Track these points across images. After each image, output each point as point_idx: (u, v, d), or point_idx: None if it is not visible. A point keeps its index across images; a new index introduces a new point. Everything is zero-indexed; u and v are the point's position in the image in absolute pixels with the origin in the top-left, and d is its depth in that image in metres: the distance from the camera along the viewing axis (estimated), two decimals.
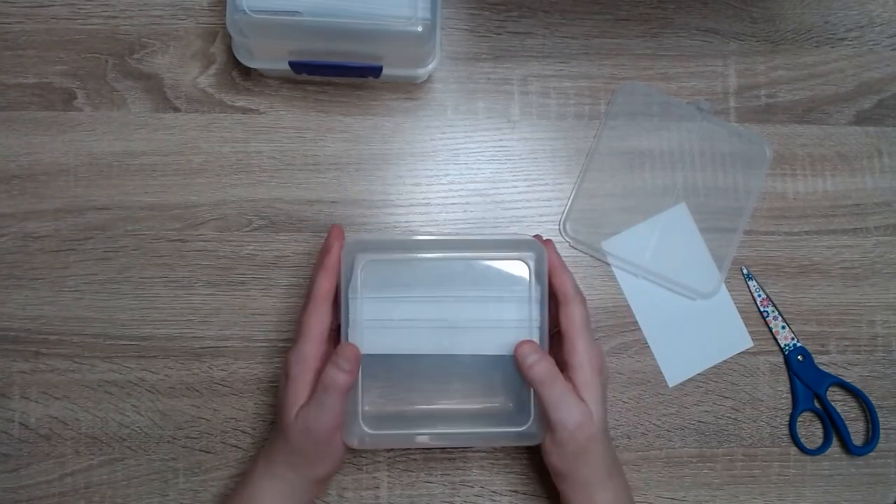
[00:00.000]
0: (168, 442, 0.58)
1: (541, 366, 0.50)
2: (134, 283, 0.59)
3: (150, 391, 0.59)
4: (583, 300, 0.53)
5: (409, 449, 0.59)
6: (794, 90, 0.64)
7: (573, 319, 0.52)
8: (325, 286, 0.51)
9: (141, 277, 0.59)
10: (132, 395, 0.59)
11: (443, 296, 0.52)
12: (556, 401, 0.50)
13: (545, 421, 0.51)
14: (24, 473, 0.58)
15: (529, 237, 0.53)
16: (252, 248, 0.60)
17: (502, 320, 0.52)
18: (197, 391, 0.59)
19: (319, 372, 0.50)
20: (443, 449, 0.59)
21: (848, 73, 0.65)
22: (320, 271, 0.51)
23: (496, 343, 0.52)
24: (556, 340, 0.54)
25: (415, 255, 0.52)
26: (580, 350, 0.51)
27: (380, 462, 0.59)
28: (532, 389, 0.51)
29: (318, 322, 0.50)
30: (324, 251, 0.52)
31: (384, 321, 0.52)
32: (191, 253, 0.60)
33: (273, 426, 0.53)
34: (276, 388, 0.59)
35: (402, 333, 0.52)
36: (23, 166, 0.60)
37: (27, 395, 0.58)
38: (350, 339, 0.51)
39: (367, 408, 0.52)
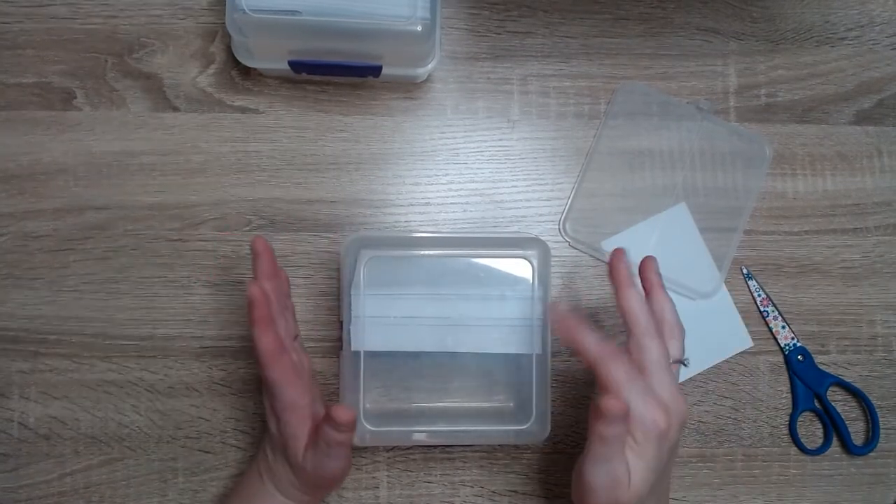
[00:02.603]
0: (167, 442, 0.58)
1: (618, 429, 0.43)
2: (133, 283, 0.59)
3: (149, 391, 0.59)
4: (658, 335, 0.45)
5: (408, 448, 0.59)
6: (794, 90, 0.64)
7: (643, 358, 0.45)
8: (267, 341, 0.47)
9: (140, 277, 0.59)
10: (131, 395, 0.58)
11: (445, 293, 0.52)
12: (599, 457, 0.44)
13: (580, 468, 0.46)
14: (24, 473, 0.57)
15: (533, 235, 0.53)
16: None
17: (505, 318, 0.52)
18: (196, 391, 0.59)
19: (311, 404, 0.49)
20: (442, 448, 0.59)
21: (848, 72, 0.64)
22: (259, 326, 0.47)
23: (498, 341, 0.52)
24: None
25: (418, 252, 0.52)
26: (632, 405, 0.43)
27: (379, 462, 0.59)
28: (534, 385, 0.51)
29: (286, 371, 0.48)
30: (249, 301, 0.46)
31: (386, 318, 0.52)
32: (190, 253, 0.60)
33: (265, 447, 0.52)
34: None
35: (404, 331, 0.52)
36: (22, 166, 0.59)
37: (26, 394, 0.58)
38: (352, 336, 0.51)
39: (368, 405, 0.52)
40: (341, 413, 0.45)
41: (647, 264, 0.49)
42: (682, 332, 0.48)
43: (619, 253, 0.47)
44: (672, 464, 0.48)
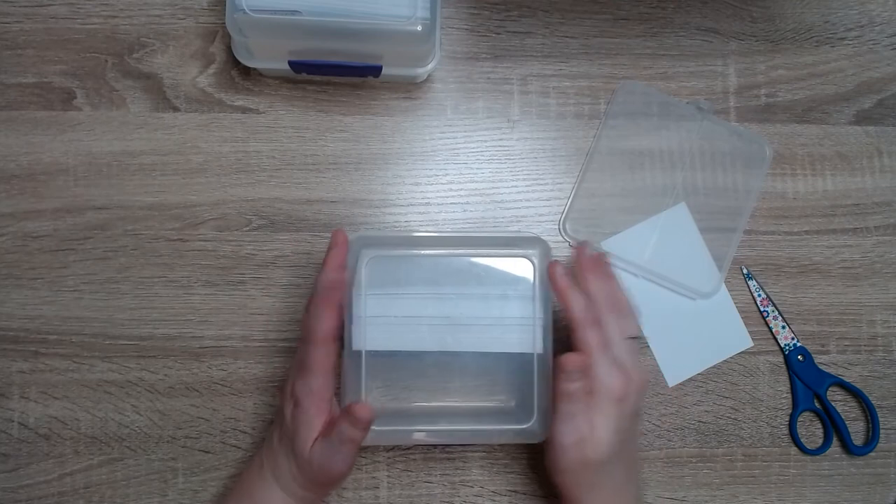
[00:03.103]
0: (167, 442, 0.58)
1: (577, 384, 0.48)
2: (133, 283, 0.59)
3: (149, 391, 0.59)
4: (595, 322, 0.50)
5: (408, 448, 0.59)
6: (794, 90, 0.64)
7: (583, 345, 0.49)
8: (327, 325, 0.48)
9: (140, 277, 0.59)
10: (131, 395, 0.58)
11: (447, 293, 0.52)
12: (566, 414, 0.49)
13: (550, 430, 0.50)
14: (24, 473, 0.57)
15: (534, 234, 0.53)
16: (251, 247, 0.60)
17: (506, 318, 0.52)
18: (196, 391, 0.59)
19: (330, 401, 0.50)
20: (443, 449, 0.59)
21: (848, 72, 0.64)
22: (325, 308, 0.48)
23: (499, 341, 0.52)
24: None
25: (419, 251, 0.52)
26: (595, 375, 0.49)
27: (379, 462, 0.59)
28: (535, 384, 0.51)
29: (325, 359, 0.49)
30: (326, 282, 0.49)
31: (388, 318, 0.52)
32: (190, 253, 0.60)
33: (271, 432, 0.52)
34: (275, 387, 0.59)
35: (405, 330, 0.52)
36: (22, 166, 0.59)
37: (26, 394, 0.58)
38: (353, 336, 0.51)
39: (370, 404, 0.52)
40: (363, 410, 0.47)
41: (593, 255, 0.53)
42: (635, 310, 0.53)
43: (554, 264, 0.51)
44: (636, 433, 0.52)
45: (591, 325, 0.50)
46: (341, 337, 0.52)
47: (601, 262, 0.54)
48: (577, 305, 0.50)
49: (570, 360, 0.48)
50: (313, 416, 0.49)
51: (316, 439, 0.49)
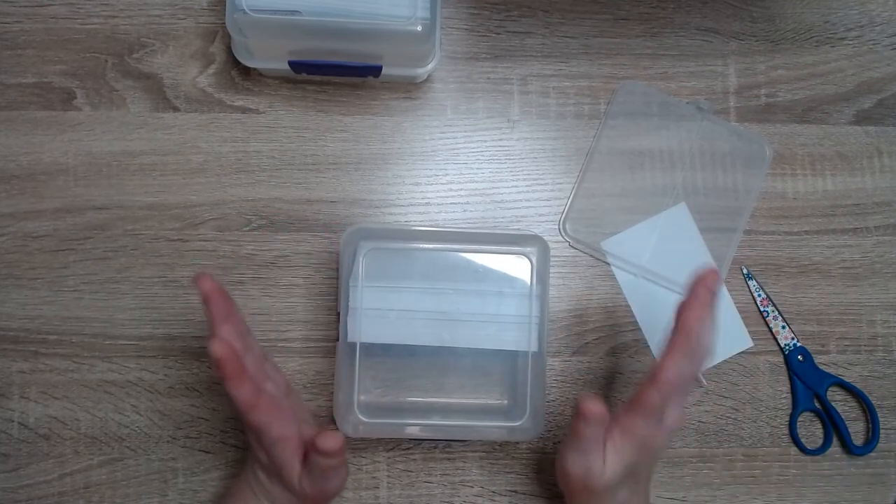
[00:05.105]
0: (167, 442, 0.58)
1: (592, 430, 0.46)
2: (133, 283, 0.59)
3: (149, 391, 0.59)
4: (674, 392, 0.46)
5: (408, 448, 0.59)
6: (794, 90, 0.64)
7: (646, 403, 0.46)
8: (243, 393, 0.44)
9: (140, 277, 0.59)
10: (131, 395, 0.58)
11: (443, 288, 0.52)
12: (577, 448, 0.48)
13: (562, 445, 0.50)
14: (24, 473, 0.57)
15: (532, 233, 0.53)
16: (251, 247, 0.60)
17: (502, 315, 0.52)
18: (196, 391, 0.59)
19: (297, 434, 0.48)
20: (443, 449, 0.59)
21: (848, 72, 0.64)
22: (226, 383, 0.44)
23: (495, 338, 0.52)
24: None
25: (417, 245, 0.52)
26: (621, 421, 0.47)
27: (379, 462, 0.59)
28: (529, 382, 0.51)
29: (267, 412, 0.46)
30: (220, 361, 0.43)
31: (384, 310, 0.52)
32: (190, 253, 0.60)
33: (255, 472, 0.50)
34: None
35: (400, 324, 0.52)
36: (22, 166, 0.59)
37: (26, 394, 0.58)
38: (348, 328, 0.50)
39: (362, 397, 0.52)
40: (327, 441, 0.45)
41: (709, 278, 0.47)
42: (709, 353, 0.48)
43: (714, 275, 0.46)
44: (656, 458, 0.50)
45: (668, 394, 0.45)
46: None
47: (708, 288, 0.47)
48: (678, 366, 0.45)
49: (590, 409, 0.45)
50: (288, 458, 0.47)
51: (301, 473, 0.48)
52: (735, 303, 0.62)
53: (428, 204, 0.61)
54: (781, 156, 0.63)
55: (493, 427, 0.53)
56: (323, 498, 0.50)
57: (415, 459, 0.59)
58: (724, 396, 0.61)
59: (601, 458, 0.47)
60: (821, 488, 0.61)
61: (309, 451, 0.46)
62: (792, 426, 0.61)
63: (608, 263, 0.62)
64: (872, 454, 0.61)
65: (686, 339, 0.45)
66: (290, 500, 0.50)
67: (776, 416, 0.61)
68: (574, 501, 0.51)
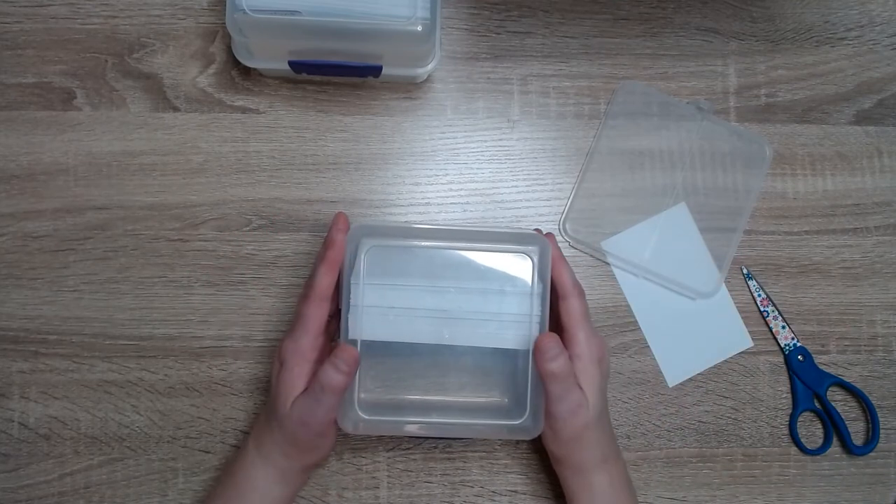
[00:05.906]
0: (167, 442, 0.58)
1: (559, 361, 0.50)
2: (133, 283, 0.59)
3: (149, 391, 0.59)
4: (581, 293, 0.53)
5: (409, 448, 0.59)
6: (794, 90, 0.64)
7: (572, 312, 0.52)
8: (326, 281, 0.50)
9: (140, 277, 0.59)
10: (132, 395, 0.58)
11: (445, 286, 0.52)
12: (560, 394, 0.50)
13: (545, 410, 0.51)
14: (24, 473, 0.57)
15: (534, 231, 0.53)
16: (252, 247, 0.60)
17: (503, 314, 0.52)
18: (196, 391, 0.59)
19: (315, 363, 0.50)
20: (443, 449, 0.59)
21: (848, 72, 0.64)
22: (323, 265, 0.50)
23: (495, 336, 0.52)
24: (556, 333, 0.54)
25: (419, 243, 0.52)
26: (580, 340, 0.52)
27: (379, 462, 0.59)
28: (529, 381, 0.51)
29: (318, 315, 0.50)
30: (328, 242, 0.51)
31: (385, 308, 0.52)
32: (190, 253, 0.60)
33: (262, 409, 0.53)
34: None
35: (401, 321, 0.52)
36: (22, 166, 0.59)
37: (27, 394, 0.58)
38: (350, 325, 0.51)
39: (362, 395, 0.52)
40: (347, 350, 0.48)
41: (551, 239, 0.55)
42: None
43: (551, 237, 0.54)
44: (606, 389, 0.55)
45: (578, 295, 0.53)
46: (337, 311, 0.52)
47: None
48: (571, 274, 0.53)
49: (547, 339, 0.50)
50: (296, 377, 0.50)
51: (297, 397, 0.49)
52: (735, 303, 0.62)
53: (428, 204, 0.61)
54: (781, 156, 0.63)
55: (494, 425, 0.53)
56: (303, 432, 0.50)
57: (415, 459, 0.59)
58: (724, 396, 0.61)
59: (581, 394, 0.51)
60: (821, 488, 0.61)
61: (320, 369, 0.49)
62: (792, 426, 0.61)
63: (608, 263, 0.62)
64: (872, 454, 0.61)
65: (569, 285, 0.53)
66: (273, 438, 0.51)
67: (776, 416, 0.61)
68: (572, 459, 0.53)
